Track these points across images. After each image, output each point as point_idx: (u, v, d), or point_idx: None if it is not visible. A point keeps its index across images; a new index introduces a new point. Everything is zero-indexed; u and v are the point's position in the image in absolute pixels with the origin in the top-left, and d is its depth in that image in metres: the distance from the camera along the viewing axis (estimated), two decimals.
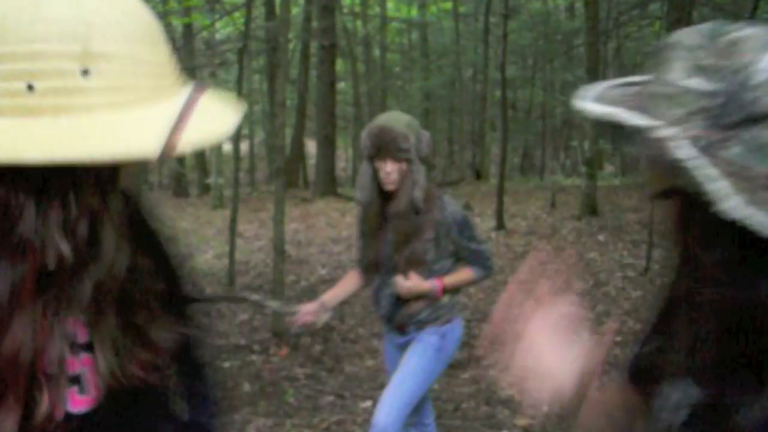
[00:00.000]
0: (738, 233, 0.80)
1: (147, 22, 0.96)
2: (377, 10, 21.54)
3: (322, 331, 6.02)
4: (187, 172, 22.60)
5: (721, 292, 0.87)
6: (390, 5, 23.38)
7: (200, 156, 20.05)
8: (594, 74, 11.66)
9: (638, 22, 16.75)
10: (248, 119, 22.12)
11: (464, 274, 3.11)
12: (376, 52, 22.34)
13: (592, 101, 0.94)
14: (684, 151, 0.82)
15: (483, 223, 11.78)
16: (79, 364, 1.07)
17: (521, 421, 4.42)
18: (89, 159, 0.84)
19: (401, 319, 3.12)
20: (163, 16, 15.48)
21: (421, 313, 3.09)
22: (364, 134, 2.99)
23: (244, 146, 22.33)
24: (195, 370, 1.37)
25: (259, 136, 26.36)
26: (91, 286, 1.02)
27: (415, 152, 2.92)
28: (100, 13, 0.90)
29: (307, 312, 3.09)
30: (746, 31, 0.85)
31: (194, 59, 15.81)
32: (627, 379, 1.16)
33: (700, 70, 0.85)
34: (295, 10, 19.79)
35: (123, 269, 1.04)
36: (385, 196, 3.03)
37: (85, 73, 0.87)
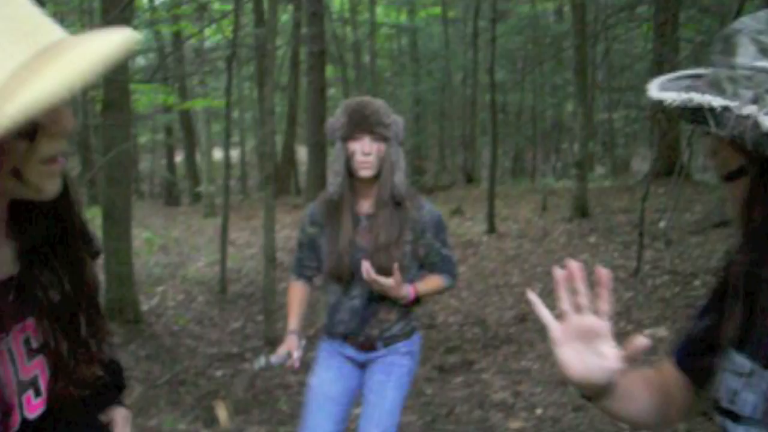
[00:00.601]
0: None
1: None
2: (366, 16, 21.54)
3: (314, 339, 6.02)
4: (178, 181, 22.61)
5: None
6: (379, 11, 23.40)
7: (191, 164, 20.04)
8: (582, 77, 11.71)
9: (626, 24, 16.79)
10: (239, 126, 22.12)
11: (435, 281, 2.75)
12: (366, 57, 22.33)
13: (660, 89, 1.01)
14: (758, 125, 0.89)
15: (474, 227, 11.80)
16: (33, 368, 1.09)
17: (514, 424, 4.42)
18: None
19: (369, 335, 2.73)
20: (152, 24, 15.49)
21: (393, 327, 2.75)
22: (337, 114, 2.61)
23: (235, 154, 22.30)
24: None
25: (250, 143, 26.33)
26: (44, 293, 1.07)
27: (394, 132, 2.61)
28: None
29: (295, 350, 2.71)
30: None
31: (183, 67, 15.81)
32: (676, 359, 1.22)
33: (767, 51, 0.93)
34: (285, 17, 19.81)
35: (75, 279, 1.12)
36: (356, 190, 2.66)
37: None
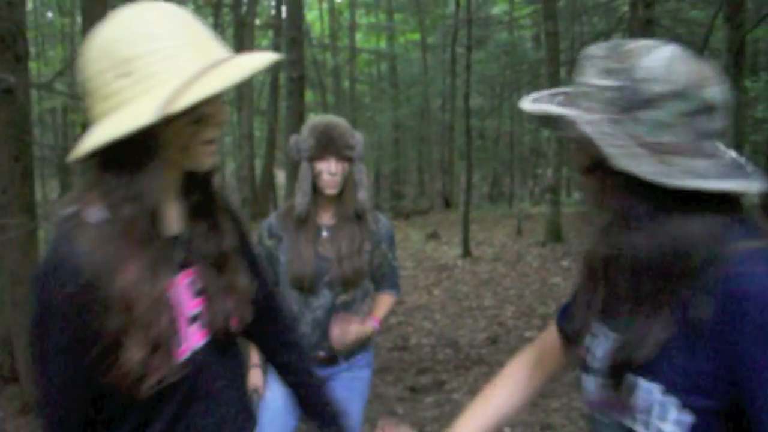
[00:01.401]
0: (637, 187, 1.10)
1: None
2: (346, 41, 21.81)
3: None
4: None
5: (631, 242, 1.13)
6: (359, 36, 23.68)
7: None
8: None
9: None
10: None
11: (387, 301, 2.86)
12: (346, 83, 22.55)
13: (532, 103, 1.26)
14: (590, 128, 1.13)
15: (450, 251, 11.95)
16: (196, 305, 1.40)
17: None
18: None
19: (331, 347, 2.73)
20: None
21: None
22: (304, 134, 2.67)
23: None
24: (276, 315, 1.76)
25: (231, 166, 26.37)
26: (205, 245, 1.42)
27: (357, 151, 2.70)
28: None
29: (260, 384, 2.79)
30: (637, 42, 1.16)
31: None
32: (557, 321, 1.51)
33: (606, 72, 1.15)
34: (264, 42, 20.01)
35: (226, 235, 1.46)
36: (319, 204, 2.74)
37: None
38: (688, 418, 1.09)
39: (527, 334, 6.93)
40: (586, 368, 1.28)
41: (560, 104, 1.21)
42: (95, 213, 1.25)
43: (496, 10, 21.66)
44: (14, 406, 5.18)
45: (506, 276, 9.81)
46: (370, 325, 2.74)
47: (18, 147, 4.92)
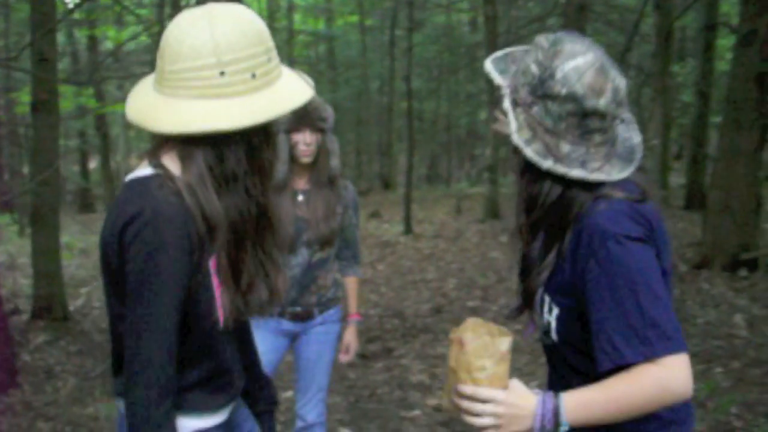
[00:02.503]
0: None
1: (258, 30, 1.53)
2: (285, 23, 21.78)
3: None
4: (92, 187, 22.28)
5: (526, 192, 1.62)
6: (297, 18, 23.65)
7: (107, 170, 19.79)
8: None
9: (537, 35, 17.45)
10: None
11: (355, 288, 3.27)
12: (285, 64, 22.51)
13: (492, 62, 1.64)
14: (507, 102, 1.55)
15: (392, 228, 12.21)
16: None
17: (431, 402, 4.81)
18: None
19: (308, 303, 3.04)
20: (71, 25, 15.36)
21: (328, 292, 3.09)
22: None
23: None
24: None
25: None
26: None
27: (329, 123, 2.96)
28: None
29: None
30: (569, 45, 1.52)
31: (101, 70, 15.71)
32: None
33: (538, 62, 1.52)
34: None
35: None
36: (294, 171, 2.98)
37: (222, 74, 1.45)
38: (556, 311, 1.59)
39: (469, 303, 7.24)
40: (544, 332, 1.70)
41: (502, 72, 1.60)
42: (176, 170, 1.50)
43: None
44: None
45: (447, 251, 10.12)
46: (355, 324, 3.26)
47: None
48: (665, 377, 1.38)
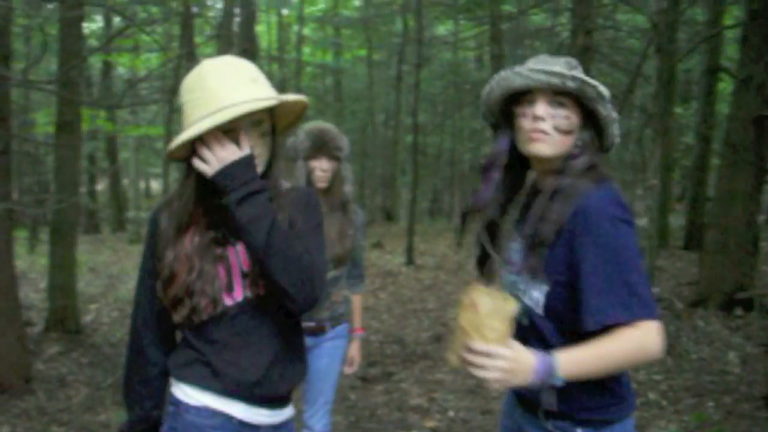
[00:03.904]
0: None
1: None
2: (294, 54, 22.11)
3: None
4: (101, 209, 22.48)
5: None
6: (306, 50, 24.00)
7: (116, 192, 20.02)
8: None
9: None
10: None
11: (359, 305, 3.54)
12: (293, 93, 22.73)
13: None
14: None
15: (394, 259, 12.38)
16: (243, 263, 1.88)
17: (429, 424, 4.96)
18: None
19: (320, 318, 3.22)
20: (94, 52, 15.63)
21: (340, 307, 3.32)
22: (300, 136, 3.13)
23: (155, 185, 22.08)
24: None
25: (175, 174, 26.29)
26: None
27: (345, 152, 3.20)
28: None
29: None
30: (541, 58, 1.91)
31: (113, 95, 15.98)
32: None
33: (567, 64, 1.91)
34: (208, 50, 20.17)
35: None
36: None
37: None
38: (546, 287, 1.80)
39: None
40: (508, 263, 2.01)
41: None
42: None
43: (442, 30, 22.22)
44: None
45: (448, 282, 10.30)
46: (359, 338, 3.55)
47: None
48: (643, 338, 1.63)
